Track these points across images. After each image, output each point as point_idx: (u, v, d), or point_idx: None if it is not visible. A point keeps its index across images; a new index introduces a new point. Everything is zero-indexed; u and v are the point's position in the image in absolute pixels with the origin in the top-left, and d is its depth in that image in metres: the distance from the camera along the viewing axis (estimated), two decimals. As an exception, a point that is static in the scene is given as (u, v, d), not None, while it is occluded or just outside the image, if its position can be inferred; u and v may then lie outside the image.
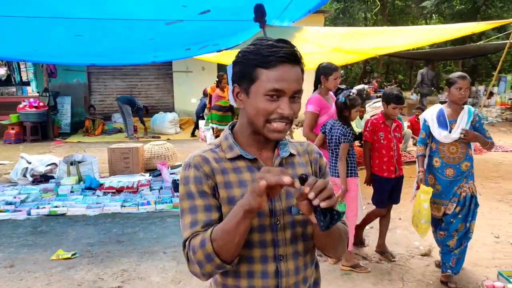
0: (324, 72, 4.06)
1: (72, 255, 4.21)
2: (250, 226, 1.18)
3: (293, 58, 1.23)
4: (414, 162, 7.99)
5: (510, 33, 8.59)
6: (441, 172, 3.47)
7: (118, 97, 12.65)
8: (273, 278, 1.28)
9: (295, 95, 1.25)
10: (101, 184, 6.59)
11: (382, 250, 4.14)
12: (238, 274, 1.29)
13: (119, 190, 6.42)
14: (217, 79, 9.42)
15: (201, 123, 11.32)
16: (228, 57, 8.80)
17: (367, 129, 3.99)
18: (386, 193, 3.97)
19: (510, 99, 14.83)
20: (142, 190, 6.43)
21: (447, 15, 19.73)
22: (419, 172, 3.59)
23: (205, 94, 11.96)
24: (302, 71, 1.28)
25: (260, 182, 1.06)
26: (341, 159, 3.68)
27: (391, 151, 3.90)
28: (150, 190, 6.43)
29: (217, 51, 7.58)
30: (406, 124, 10.15)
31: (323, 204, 1.07)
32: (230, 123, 1.43)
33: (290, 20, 6.20)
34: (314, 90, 4.18)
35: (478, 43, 14.39)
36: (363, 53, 9.01)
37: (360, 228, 4.27)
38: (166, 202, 5.81)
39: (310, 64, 6.10)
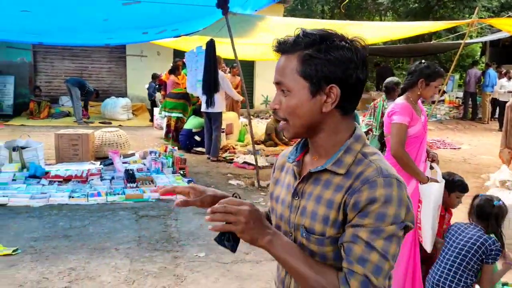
0: (427, 74, 3.00)
1: (14, 251, 3.87)
2: None
3: (276, 47, 1.20)
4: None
5: (463, 34, 8.90)
6: None
7: (67, 78, 12.02)
8: None
9: (281, 88, 1.18)
10: (47, 172, 6.16)
11: None
12: None
13: (66, 179, 6.02)
14: (172, 66, 9.15)
15: (156, 110, 10.99)
16: (186, 43, 8.50)
17: None
18: None
19: (457, 98, 15.19)
20: (92, 179, 6.06)
21: (402, 13, 20.22)
22: None
23: (153, 77, 11.70)
24: (301, 60, 1.13)
25: None
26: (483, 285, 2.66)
27: None
28: (101, 180, 6.08)
29: (176, 37, 7.32)
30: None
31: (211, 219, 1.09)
32: None
33: (253, 9, 6.06)
34: (401, 94, 3.15)
35: (431, 42, 14.91)
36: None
37: None
38: (118, 194, 5.51)
39: (271, 55, 5.99)
